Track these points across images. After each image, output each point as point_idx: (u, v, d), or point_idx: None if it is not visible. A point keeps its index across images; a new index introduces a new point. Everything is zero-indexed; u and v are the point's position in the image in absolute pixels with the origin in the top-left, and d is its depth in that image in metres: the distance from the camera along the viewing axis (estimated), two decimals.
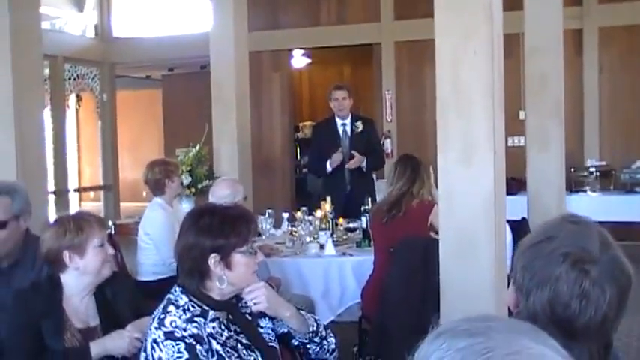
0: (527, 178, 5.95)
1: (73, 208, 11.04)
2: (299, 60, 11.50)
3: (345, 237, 5.44)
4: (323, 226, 5.30)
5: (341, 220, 5.57)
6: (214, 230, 2.32)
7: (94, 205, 12.68)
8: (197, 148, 6.85)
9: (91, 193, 13.73)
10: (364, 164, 6.23)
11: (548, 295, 1.46)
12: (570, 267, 1.46)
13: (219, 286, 2.35)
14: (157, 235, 5.12)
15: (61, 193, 10.31)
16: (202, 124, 8.15)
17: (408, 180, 4.67)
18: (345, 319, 5.01)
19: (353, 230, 5.47)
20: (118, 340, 2.65)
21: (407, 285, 4.31)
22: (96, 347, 2.63)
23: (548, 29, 5.84)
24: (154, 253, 5.12)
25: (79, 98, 11.53)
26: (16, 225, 3.35)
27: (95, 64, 10.82)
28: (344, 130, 6.34)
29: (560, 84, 5.90)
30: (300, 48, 10.89)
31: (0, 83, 4.55)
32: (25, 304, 2.68)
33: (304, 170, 11.61)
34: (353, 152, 6.21)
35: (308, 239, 5.18)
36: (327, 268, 4.86)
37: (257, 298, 2.40)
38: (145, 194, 15.90)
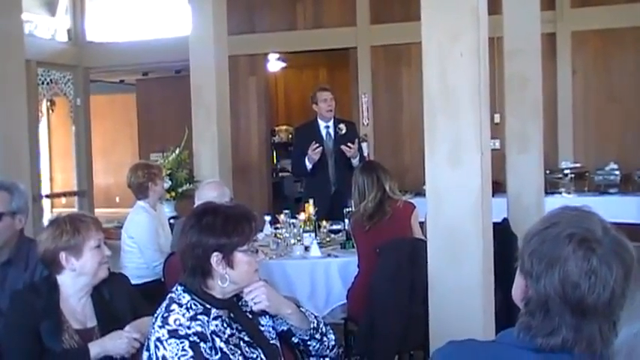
0: (507, 179, 6.01)
1: (47, 215, 10.94)
2: (274, 64, 11.50)
3: (328, 239, 5.46)
4: (307, 228, 5.32)
5: (324, 222, 5.58)
6: (217, 229, 2.32)
7: (67, 210, 12.55)
8: (177, 151, 6.84)
9: (63, 199, 13.60)
10: (358, 158, 6.20)
11: (558, 276, 1.51)
12: (577, 246, 1.51)
13: (221, 285, 2.36)
14: (141, 238, 5.10)
15: (35, 199, 10.19)
16: (178, 128, 8.13)
17: (380, 186, 4.70)
18: (328, 321, 5.02)
19: (336, 232, 5.49)
20: (117, 341, 2.65)
21: (394, 284, 4.34)
22: (95, 348, 2.63)
23: (527, 32, 5.92)
24: (138, 257, 5.10)
25: (52, 103, 11.41)
26: (10, 221, 3.32)
27: (69, 68, 10.71)
28: (327, 133, 6.36)
29: (538, 86, 5.98)
30: (277, 52, 10.90)
31: None
32: (22, 305, 2.66)
33: (281, 174, 11.63)
34: (343, 147, 6.15)
35: (292, 241, 5.19)
36: (313, 270, 4.88)
37: (257, 297, 2.41)
38: (118, 199, 15.75)
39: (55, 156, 14.55)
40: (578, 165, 8.73)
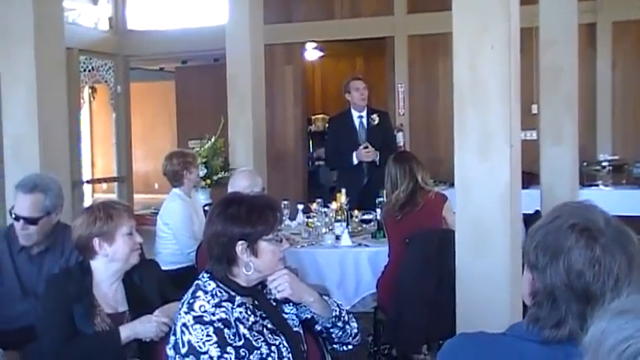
0: (541, 171, 5.99)
1: (87, 200, 11.17)
2: (311, 53, 11.54)
3: (359, 228, 5.51)
4: (338, 217, 5.37)
5: (356, 212, 5.64)
6: (242, 218, 2.39)
7: (106, 196, 12.77)
8: (213, 140, 6.93)
9: (104, 185, 13.85)
10: (377, 158, 6.27)
11: (563, 266, 1.54)
12: (579, 235, 1.55)
13: (245, 273, 2.42)
14: (175, 225, 5.20)
15: (76, 184, 10.40)
16: (215, 116, 8.21)
17: (412, 176, 4.73)
18: (359, 310, 5.08)
19: (368, 222, 5.54)
20: (146, 325, 2.74)
21: (422, 275, 4.37)
22: (125, 331, 2.72)
23: (563, 23, 5.88)
24: (172, 243, 5.20)
25: (93, 90, 11.62)
26: (47, 220, 3.43)
27: (109, 56, 10.87)
28: (360, 123, 6.40)
29: (574, 77, 5.94)
30: (314, 41, 10.92)
31: (24, 75, 4.62)
32: (56, 288, 2.76)
33: (317, 163, 11.67)
34: (367, 145, 6.24)
35: (324, 230, 5.25)
36: (343, 259, 4.94)
37: (281, 285, 2.47)
38: (157, 186, 15.95)
39: (96, 142, 14.80)
40: (616, 157, 8.62)
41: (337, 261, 4.91)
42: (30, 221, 3.36)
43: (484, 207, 3.77)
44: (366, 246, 5.05)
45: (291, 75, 10.37)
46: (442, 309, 4.33)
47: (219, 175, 6.77)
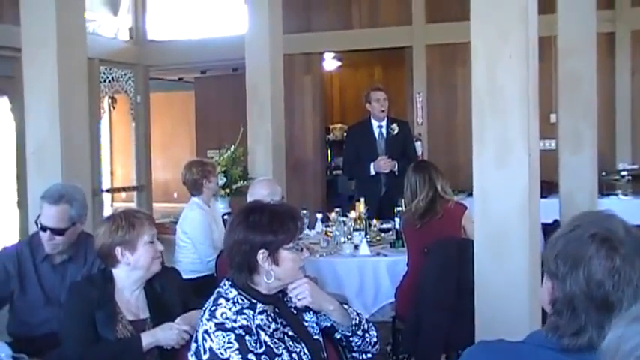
0: (560, 180, 5.98)
1: (107, 209, 11.25)
2: (330, 63, 11.59)
3: (378, 237, 5.52)
4: (357, 226, 5.38)
5: (374, 221, 5.65)
6: (263, 227, 2.41)
7: (126, 205, 12.86)
8: (232, 149, 6.97)
9: (123, 194, 13.94)
10: (395, 168, 6.29)
11: (583, 275, 1.56)
12: (600, 245, 1.56)
13: (266, 281, 2.44)
14: (194, 234, 5.24)
15: (96, 193, 10.49)
16: (234, 125, 8.25)
17: (431, 185, 4.73)
18: (378, 319, 5.09)
19: (386, 231, 5.55)
20: (168, 332, 2.77)
21: (441, 284, 4.37)
22: (147, 338, 2.75)
23: (582, 32, 5.89)
24: (192, 252, 5.24)
25: (113, 100, 11.72)
26: (73, 230, 3.48)
27: (129, 66, 10.97)
28: (380, 133, 6.42)
29: (592, 86, 5.94)
30: (332, 51, 10.98)
31: (47, 85, 4.69)
32: (79, 294, 2.80)
33: (335, 172, 11.71)
34: (383, 157, 6.27)
35: (342, 239, 5.26)
36: (362, 268, 4.95)
37: (301, 293, 2.48)
38: (176, 195, 15.99)
39: (115, 151, 14.90)
40: (635, 167, 8.58)
41: (356, 270, 4.92)
42: (57, 232, 3.40)
43: (503, 215, 3.78)
44: (385, 255, 5.06)
45: (310, 84, 10.42)
46: (461, 317, 4.33)
47: (239, 184, 6.80)
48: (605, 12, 8.18)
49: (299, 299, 2.48)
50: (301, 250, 2.50)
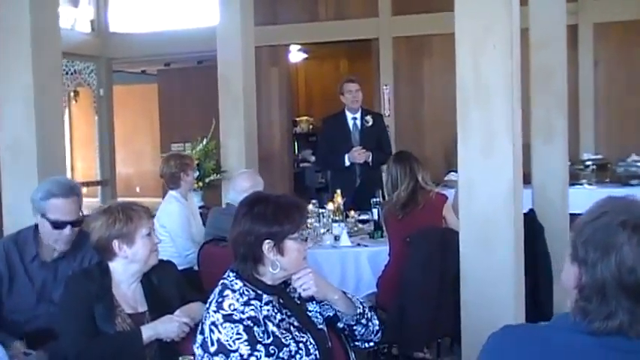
0: (533, 170, 6.05)
1: None
2: (296, 55, 11.56)
3: (356, 228, 5.54)
4: (336, 218, 5.39)
5: (352, 213, 5.66)
6: (269, 217, 2.41)
7: (89, 200, 12.66)
8: (204, 142, 6.93)
9: (84, 189, 13.72)
10: (370, 159, 6.32)
11: (615, 262, 1.57)
12: (631, 232, 1.58)
13: (271, 271, 2.44)
14: (173, 227, 5.19)
15: None
16: (199, 118, 8.19)
17: (412, 176, 4.77)
18: None
19: (364, 222, 5.57)
20: (168, 325, 2.75)
21: (424, 273, 4.41)
22: (147, 331, 2.73)
23: (552, 24, 5.97)
24: (170, 246, 5.18)
25: (75, 93, 11.53)
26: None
27: (92, 59, 10.82)
28: (354, 124, 6.44)
29: (563, 77, 6.03)
30: (299, 43, 10.96)
31: (21, 80, 4.59)
32: (77, 287, 2.76)
33: (302, 165, 11.71)
34: (357, 147, 6.29)
35: (322, 231, 5.27)
36: (343, 259, 4.96)
37: (306, 284, 2.48)
38: (138, 189, 15.80)
39: (76, 146, 14.66)
40: (599, 156, 8.74)
41: (338, 261, 4.93)
42: (76, 224, 3.29)
43: (489, 205, 3.82)
44: (365, 246, 5.07)
45: (277, 77, 10.39)
46: (445, 306, 4.38)
47: (212, 178, 6.77)
48: (568, 4, 8.29)
49: (304, 289, 2.48)
50: (306, 240, 2.50)
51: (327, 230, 5.28)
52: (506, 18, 3.77)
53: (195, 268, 4.84)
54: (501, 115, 3.78)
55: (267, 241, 2.40)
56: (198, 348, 2.39)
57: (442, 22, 9.19)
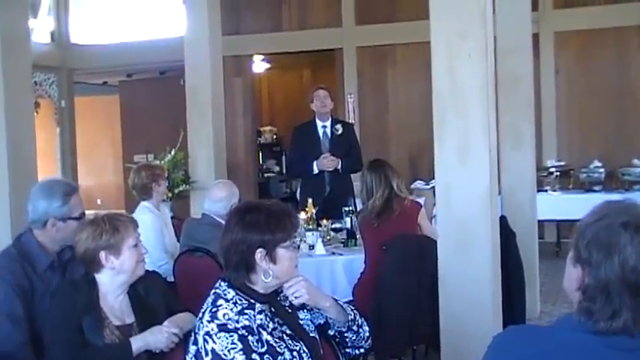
0: (501, 176, 6.12)
1: None
2: (259, 65, 11.56)
3: (329, 237, 5.53)
4: (309, 227, 5.39)
5: (324, 221, 5.66)
6: (261, 225, 2.40)
7: None
8: (172, 153, 6.87)
9: None
10: (339, 166, 6.33)
11: (618, 262, 1.61)
12: (633, 233, 1.62)
13: (264, 280, 2.43)
14: (146, 238, 5.01)
15: None
16: (162, 129, 8.12)
17: (387, 184, 4.79)
18: None
19: (337, 230, 5.58)
20: (157, 335, 2.71)
21: (401, 279, 4.43)
22: (137, 342, 2.69)
23: (519, 32, 6.09)
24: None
25: (36, 105, 11.34)
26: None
27: (53, 70, 10.69)
28: (324, 132, 6.44)
29: (530, 84, 6.15)
30: (262, 53, 10.96)
31: None
32: (64, 300, 2.71)
33: (266, 175, 11.68)
34: (326, 155, 6.30)
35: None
36: (319, 268, 4.95)
37: (298, 291, 2.47)
38: (99, 202, 15.59)
39: (37, 157, 14.42)
40: (562, 163, 8.90)
41: (313, 270, 4.90)
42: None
43: (466, 210, 3.87)
44: (340, 254, 5.08)
45: (241, 87, 10.40)
46: (421, 312, 4.40)
47: (181, 188, 6.72)
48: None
49: (296, 297, 2.47)
50: (297, 248, 2.50)
51: (301, 240, 5.26)
52: (481, 27, 3.83)
53: (169, 279, 4.78)
54: (478, 122, 3.84)
55: (260, 249, 2.40)
56: (191, 359, 2.36)
57: (405, 31, 9.46)
